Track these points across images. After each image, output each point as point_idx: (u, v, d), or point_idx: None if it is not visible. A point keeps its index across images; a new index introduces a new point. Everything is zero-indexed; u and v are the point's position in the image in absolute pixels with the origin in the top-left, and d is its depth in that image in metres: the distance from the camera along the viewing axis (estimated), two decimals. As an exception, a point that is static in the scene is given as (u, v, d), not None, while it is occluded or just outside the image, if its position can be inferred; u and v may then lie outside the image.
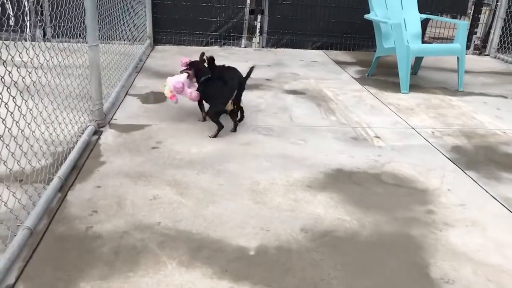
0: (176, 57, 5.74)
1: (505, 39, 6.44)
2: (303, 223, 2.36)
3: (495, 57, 6.50)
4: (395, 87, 4.75)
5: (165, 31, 6.36)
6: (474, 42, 6.70)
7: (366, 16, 5.09)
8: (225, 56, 5.92)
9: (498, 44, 6.51)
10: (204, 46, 6.40)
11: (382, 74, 5.26)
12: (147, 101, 4.08)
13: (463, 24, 4.81)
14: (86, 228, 2.23)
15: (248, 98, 4.24)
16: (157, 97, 4.18)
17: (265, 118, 3.80)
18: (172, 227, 2.28)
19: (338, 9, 6.39)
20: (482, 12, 6.59)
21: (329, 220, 2.40)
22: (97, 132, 3.33)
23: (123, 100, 4.06)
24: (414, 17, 5.16)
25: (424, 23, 5.63)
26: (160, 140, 3.26)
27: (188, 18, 6.32)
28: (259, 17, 6.37)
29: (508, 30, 6.40)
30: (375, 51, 5.14)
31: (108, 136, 3.29)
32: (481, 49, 6.72)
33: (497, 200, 2.67)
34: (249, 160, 3.03)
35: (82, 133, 3.18)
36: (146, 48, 5.89)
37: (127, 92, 4.28)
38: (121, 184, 2.65)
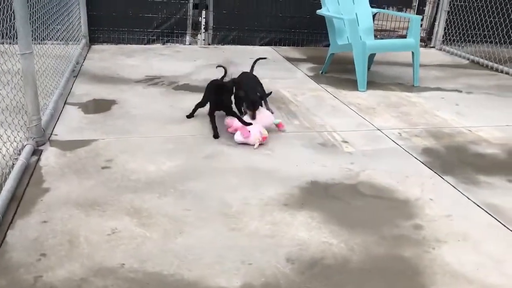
0: (116, 57, 5.31)
1: (449, 31, 6.50)
2: (287, 252, 2.11)
3: (440, 49, 6.56)
4: (352, 85, 4.59)
5: (102, 29, 5.85)
6: (420, 34, 6.71)
7: (319, 11, 4.90)
8: (171, 54, 5.53)
9: (443, 36, 6.57)
10: (145, 44, 5.96)
11: (336, 71, 5.10)
12: (89, 111, 3.66)
13: (416, 18, 4.74)
14: (34, 279, 1.86)
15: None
16: (100, 105, 3.77)
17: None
18: (138, 268, 1.95)
19: (285, 3, 6.16)
20: (426, 5, 6.62)
21: (314, 245, 2.16)
22: (36, 152, 2.90)
23: (62, 110, 3.61)
24: (366, 12, 5.03)
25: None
26: (110, 158, 2.89)
27: (127, 14, 5.85)
28: (203, 12, 6.01)
29: (451, 23, 6.47)
30: (325, 46, 4.97)
31: (50, 156, 2.86)
32: (426, 41, 6.76)
33: (481, 208, 2.54)
34: (215, 177, 2.73)
35: (19, 155, 2.74)
36: (82, 49, 5.38)
37: (65, 100, 3.82)
38: (71, 216, 2.28)
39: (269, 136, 3.24)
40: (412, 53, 4.70)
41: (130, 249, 2.07)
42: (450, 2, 6.38)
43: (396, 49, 5.16)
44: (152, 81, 4.47)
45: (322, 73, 5.06)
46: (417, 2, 6.54)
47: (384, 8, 6.27)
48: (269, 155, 3.06)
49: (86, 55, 5.32)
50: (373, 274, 2.00)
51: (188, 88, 4.32)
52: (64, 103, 3.75)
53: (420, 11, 6.66)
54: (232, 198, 2.51)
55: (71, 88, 4.13)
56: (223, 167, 2.86)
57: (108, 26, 5.85)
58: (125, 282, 1.87)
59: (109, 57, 5.31)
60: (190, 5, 5.97)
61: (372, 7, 5.13)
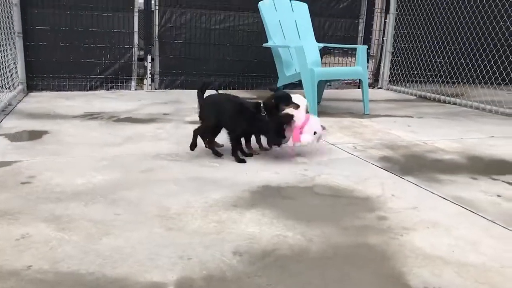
0: (55, 100, 5.00)
1: (395, 71, 6.62)
2: (234, 245, 1.78)
3: (388, 89, 6.63)
4: (303, 114, 4.44)
5: (41, 76, 5.55)
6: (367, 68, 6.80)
7: (265, 44, 4.85)
8: (115, 97, 5.27)
9: (389, 77, 6.67)
10: (88, 90, 5.69)
11: (286, 105, 4.96)
12: (16, 139, 3.29)
13: (362, 48, 4.75)
14: None
15: (143, 130, 3.65)
16: (30, 135, 3.42)
17: (168, 145, 3.22)
18: (49, 269, 1.57)
19: (232, 47, 6.13)
20: (371, 47, 6.77)
21: (266, 238, 1.85)
22: None
23: (-16, 139, 3.23)
24: (312, 46, 5.03)
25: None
26: (33, 175, 2.52)
27: (68, 60, 5.60)
28: (149, 57, 5.87)
29: (397, 64, 6.61)
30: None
31: (-41, 175, 2.47)
32: (374, 83, 6.84)
33: (449, 200, 2.33)
34: (154, 186, 2.41)
35: None
36: (18, 94, 5.04)
37: (-10, 132, 3.45)
38: (-27, 227, 1.88)
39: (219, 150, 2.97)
40: (360, 80, 4.66)
41: (41, 252, 1.69)
42: (393, 43, 6.56)
43: (344, 76, 5.15)
44: (91, 116, 4.16)
45: (272, 107, 4.91)
46: (361, 43, 6.67)
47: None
48: (217, 167, 2.77)
49: (21, 99, 4.98)
50: (335, 261, 1.70)
51: (130, 120, 4.04)
52: (-12, 134, 3.38)
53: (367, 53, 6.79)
54: (172, 203, 2.18)
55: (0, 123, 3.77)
56: (163, 178, 2.55)
57: (48, 72, 5.56)
58: (29, 283, 1.49)
59: (47, 100, 4.98)
60: (135, 50, 5.82)
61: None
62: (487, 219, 2.11)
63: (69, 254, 1.68)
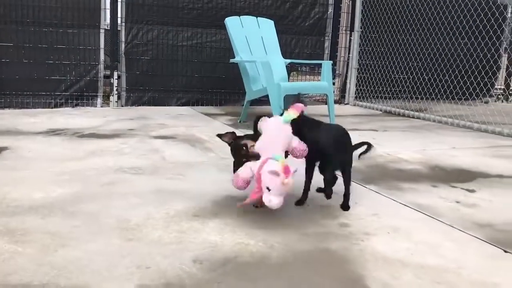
0: (17, 117, 4.89)
1: (361, 88, 6.76)
2: (195, 254, 1.76)
3: (354, 105, 6.75)
4: (270, 128, 4.47)
5: (3, 93, 5.43)
6: (334, 93, 6.91)
7: (232, 60, 4.88)
8: (79, 114, 5.19)
9: (355, 93, 6.80)
10: (52, 107, 5.59)
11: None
12: (-26, 155, 3.20)
13: (327, 63, 4.84)
14: None
15: (106, 145, 3.60)
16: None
17: (131, 159, 3.17)
18: (0, 282, 1.51)
19: (200, 64, 6.15)
20: (337, 63, 6.90)
21: (228, 246, 1.83)
22: None
23: None
24: (278, 62, 5.09)
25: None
26: (-11, 190, 2.44)
27: (32, 77, 5.51)
28: (115, 74, 5.83)
29: (363, 80, 6.75)
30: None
31: None
32: (341, 99, 6.95)
33: (409, 207, 2.36)
34: (114, 199, 2.36)
35: None
36: (-22, 111, 4.92)
37: None
38: None
39: (180, 165, 2.94)
40: (326, 95, 4.73)
41: (-8, 265, 1.63)
42: (358, 60, 6.71)
43: (310, 91, 5.23)
44: (54, 132, 4.08)
45: (240, 122, 4.93)
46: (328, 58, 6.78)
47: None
48: (180, 179, 2.75)
49: (-18, 116, 4.86)
50: (296, 266, 1.69)
51: (94, 136, 3.98)
52: None
53: (332, 70, 6.91)
54: (132, 215, 2.14)
55: (-44, 139, 3.65)
56: (125, 191, 2.50)
57: (11, 89, 5.45)
58: (-23, 296, 1.43)
59: (9, 117, 4.87)
60: (101, 67, 5.76)
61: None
62: (446, 224, 2.14)
63: (22, 266, 1.62)
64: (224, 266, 1.67)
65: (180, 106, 6.10)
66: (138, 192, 2.47)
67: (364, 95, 6.75)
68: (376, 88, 6.71)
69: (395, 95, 6.88)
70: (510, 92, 7.55)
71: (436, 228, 2.11)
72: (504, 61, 7.63)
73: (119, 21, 5.78)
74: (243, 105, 5.04)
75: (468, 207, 2.39)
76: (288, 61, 5.24)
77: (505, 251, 1.86)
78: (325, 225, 2.08)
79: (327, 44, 6.75)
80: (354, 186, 2.69)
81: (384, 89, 6.77)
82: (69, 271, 1.60)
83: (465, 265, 1.74)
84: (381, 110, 6.22)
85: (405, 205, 2.39)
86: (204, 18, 6.07)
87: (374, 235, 1.99)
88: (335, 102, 6.66)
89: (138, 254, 1.75)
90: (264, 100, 4.86)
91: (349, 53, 6.80)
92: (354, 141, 2.46)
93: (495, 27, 6.12)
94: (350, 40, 6.83)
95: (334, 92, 6.68)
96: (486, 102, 7.17)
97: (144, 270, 1.62)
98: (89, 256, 1.72)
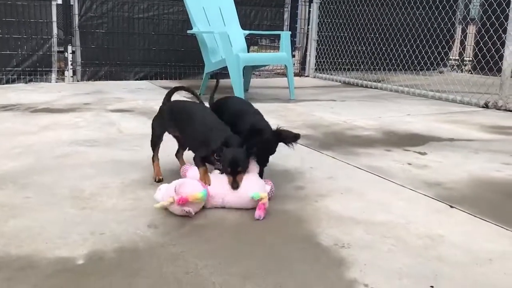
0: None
1: (321, 60, 6.80)
2: (150, 219, 1.76)
3: (314, 77, 6.80)
4: (230, 100, 4.46)
5: (-50, 70, 5.20)
6: (292, 53, 6.92)
7: (189, 31, 4.81)
8: (33, 89, 5.02)
9: (315, 65, 6.84)
10: (4, 84, 5.38)
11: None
12: None
13: (285, 34, 4.83)
14: None
15: (61, 119, 3.51)
16: None
17: (86, 132, 3.11)
18: None
19: (157, 36, 6.03)
20: (297, 35, 6.90)
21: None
22: None
23: None
24: (237, 33, 5.05)
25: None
26: None
27: (-19, 52, 5.28)
28: (69, 48, 5.64)
29: (322, 53, 6.79)
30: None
31: None
32: (300, 72, 6.98)
33: (363, 170, 2.43)
34: (68, 171, 2.32)
35: None
36: None
37: None
38: None
39: (138, 137, 2.90)
40: (286, 66, 4.74)
41: None
42: (318, 32, 6.73)
43: (269, 62, 5.23)
44: (5, 108, 3.94)
45: (200, 94, 4.88)
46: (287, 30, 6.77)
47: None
48: (137, 150, 2.71)
49: None
50: (251, 227, 1.72)
51: (48, 110, 3.87)
52: None
53: (292, 42, 6.92)
54: (86, 185, 2.11)
55: None
56: (79, 162, 2.46)
57: (-43, 66, 5.21)
58: None
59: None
60: (54, 41, 5.57)
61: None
62: (398, 184, 2.22)
63: (-30, 238, 1.58)
64: (179, 229, 1.68)
65: (138, 80, 5.99)
66: (93, 163, 2.44)
67: (324, 67, 6.81)
68: (336, 60, 6.77)
69: (354, 67, 6.97)
70: (464, 62, 7.77)
71: (388, 188, 2.18)
72: (458, 32, 7.82)
73: (71, -7, 5.57)
74: (202, 78, 5.00)
75: (419, 168, 2.47)
76: (247, 32, 5.20)
77: (451, 206, 1.95)
78: (281, 188, 2.11)
79: (286, 15, 6.74)
80: (311, 152, 2.74)
81: (344, 60, 6.84)
82: (20, 240, 1.57)
83: (413, 220, 1.81)
84: (340, 82, 6.29)
85: (359, 168, 2.45)
86: (160, -11, 5.93)
87: (328, 196, 2.04)
88: (296, 75, 6.69)
89: (92, 221, 1.74)
90: (224, 73, 4.83)
91: (308, 25, 6.81)
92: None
93: (450, -2, 6.25)
94: (309, 11, 6.83)
95: (294, 64, 6.72)
96: (441, 72, 7.35)
97: (98, 236, 1.61)
98: (42, 225, 1.69)
